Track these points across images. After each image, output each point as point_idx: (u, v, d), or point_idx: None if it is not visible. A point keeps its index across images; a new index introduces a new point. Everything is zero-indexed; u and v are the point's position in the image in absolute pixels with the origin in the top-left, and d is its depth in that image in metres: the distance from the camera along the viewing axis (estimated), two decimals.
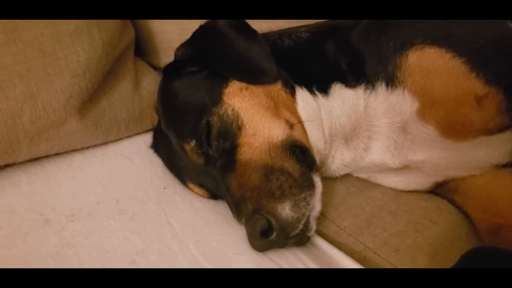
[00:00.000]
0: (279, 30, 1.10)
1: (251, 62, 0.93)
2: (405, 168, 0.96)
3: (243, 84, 0.91)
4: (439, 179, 0.99)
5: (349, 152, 0.98)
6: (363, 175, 1.04)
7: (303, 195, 0.81)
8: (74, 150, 1.03)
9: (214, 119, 0.87)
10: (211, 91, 0.90)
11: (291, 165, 0.84)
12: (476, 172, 0.97)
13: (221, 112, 0.88)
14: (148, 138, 1.10)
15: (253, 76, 0.91)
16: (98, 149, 1.06)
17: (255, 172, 0.83)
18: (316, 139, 0.94)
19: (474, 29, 0.94)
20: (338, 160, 0.99)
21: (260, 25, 1.27)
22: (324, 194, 0.96)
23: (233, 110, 0.88)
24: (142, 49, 1.28)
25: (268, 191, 0.80)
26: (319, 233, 0.92)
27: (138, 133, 1.13)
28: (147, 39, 1.26)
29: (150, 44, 1.27)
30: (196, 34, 0.99)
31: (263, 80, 0.92)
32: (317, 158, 0.94)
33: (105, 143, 1.07)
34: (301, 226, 0.80)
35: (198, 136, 0.87)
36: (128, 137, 1.11)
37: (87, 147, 1.04)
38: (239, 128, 0.87)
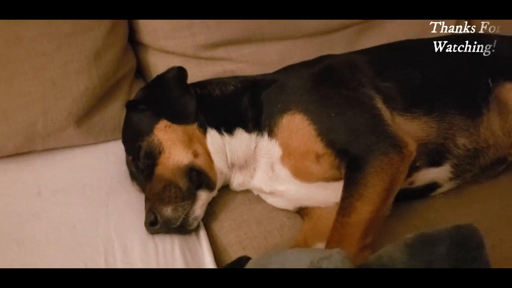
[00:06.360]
0: (220, 79, 1.52)
1: (178, 108, 1.37)
2: (273, 193, 1.37)
3: (168, 122, 1.36)
4: (297, 205, 1.38)
5: (241, 177, 1.39)
6: (255, 193, 1.45)
7: (182, 203, 1.25)
8: (75, 146, 1.56)
9: (144, 144, 1.33)
10: (147, 125, 1.36)
11: (183, 183, 1.29)
12: (322, 205, 1.34)
13: (149, 140, 1.33)
14: None
15: (176, 118, 1.35)
16: (91, 146, 1.57)
17: (160, 184, 1.29)
18: (220, 165, 1.37)
19: (335, 104, 1.30)
20: (235, 181, 1.41)
21: (225, 67, 1.71)
22: (224, 201, 1.41)
23: (158, 140, 1.33)
24: (144, 74, 1.77)
25: (161, 197, 1.26)
26: (208, 227, 1.37)
27: None
28: (145, 68, 1.74)
29: (147, 72, 1.74)
30: (151, 81, 1.46)
31: (182, 122, 1.35)
32: (221, 178, 1.37)
33: (96, 143, 1.58)
34: (178, 223, 1.25)
35: (133, 154, 1.35)
36: (115, 140, 1.61)
37: (84, 145, 1.57)
38: (160, 153, 1.33)
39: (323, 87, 1.34)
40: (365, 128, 1.25)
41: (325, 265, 0.70)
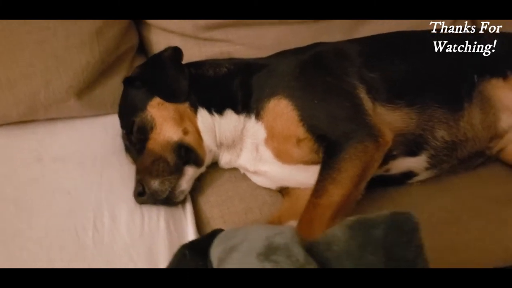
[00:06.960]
0: (215, 61, 1.58)
1: (171, 87, 1.44)
2: (257, 173, 1.45)
3: (161, 100, 1.43)
4: (279, 185, 1.45)
5: (228, 155, 1.47)
6: (241, 171, 1.53)
7: (169, 177, 1.34)
8: (75, 117, 1.65)
9: (137, 120, 1.41)
10: (142, 101, 1.44)
11: (171, 158, 1.36)
12: (302, 186, 1.41)
13: (142, 116, 1.41)
14: None
15: (168, 97, 1.43)
16: (91, 118, 1.66)
17: (150, 158, 1.37)
18: (209, 143, 1.44)
19: (319, 92, 1.36)
20: (223, 159, 1.49)
21: (222, 49, 1.77)
22: (211, 177, 1.49)
23: (150, 116, 1.41)
24: (146, 51, 1.84)
25: (150, 170, 1.34)
26: (195, 200, 1.45)
27: None
28: (147, 45, 1.81)
29: (149, 49, 1.81)
30: (148, 59, 1.53)
31: (174, 101, 1.43)
32: (210, 156, 1.45)
33: (95, 115, 1.67)
34: (164, 195, 1.33)
35: (127, 128, 1.43)
36: (114, 113, 1.69)
37: (84, 117, 1.66)
38: (151, 128, 1.40)
39: (310, 74, 1.40)
40: (345, 116, 1.32)
41: (277, 239, 0.78)
